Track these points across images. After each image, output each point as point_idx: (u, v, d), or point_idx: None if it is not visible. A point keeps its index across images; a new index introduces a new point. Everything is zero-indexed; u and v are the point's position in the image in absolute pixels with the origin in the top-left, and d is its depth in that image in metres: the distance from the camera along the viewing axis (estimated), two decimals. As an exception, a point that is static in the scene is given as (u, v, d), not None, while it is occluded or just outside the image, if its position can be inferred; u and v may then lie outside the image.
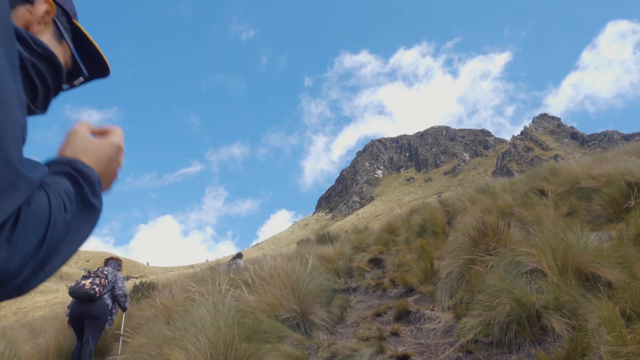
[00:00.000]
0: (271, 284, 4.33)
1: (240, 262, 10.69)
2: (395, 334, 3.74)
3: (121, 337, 5.95)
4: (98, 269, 5.67)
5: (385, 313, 4.59)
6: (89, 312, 5.19)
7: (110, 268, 5.77)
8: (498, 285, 3.01)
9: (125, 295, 5.71)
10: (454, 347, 3.11)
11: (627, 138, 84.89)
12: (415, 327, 3.88)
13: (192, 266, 77.61)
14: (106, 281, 5.41)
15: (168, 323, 3.99)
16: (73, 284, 5.32)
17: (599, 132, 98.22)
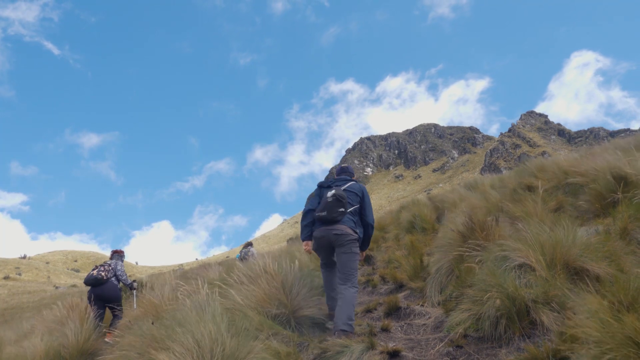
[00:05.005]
0: (260, 281, 4.30)
1: (254, 250, 10.78)
2: (385, 329, 3.74)
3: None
4: (105, 262, 7.26)
5: (375, 309, 4.59)
6: (104, 293, 6.79)
7: (113, 260, 7.32)
8: (487, 280, 3.02)
9: (123, 274, 7.19)
10: (444, 342, 3.11)
11: (613, 135, 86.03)
12: (405, 323, 3.88)
13: (181, 265, 77.10)
14: (110, 268, 7.05)
15: (152, 323, 3.95)
16: (87, 275, 6.88)
17: (586, 129, 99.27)
